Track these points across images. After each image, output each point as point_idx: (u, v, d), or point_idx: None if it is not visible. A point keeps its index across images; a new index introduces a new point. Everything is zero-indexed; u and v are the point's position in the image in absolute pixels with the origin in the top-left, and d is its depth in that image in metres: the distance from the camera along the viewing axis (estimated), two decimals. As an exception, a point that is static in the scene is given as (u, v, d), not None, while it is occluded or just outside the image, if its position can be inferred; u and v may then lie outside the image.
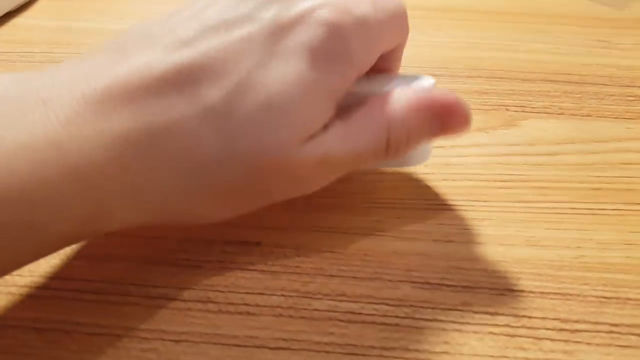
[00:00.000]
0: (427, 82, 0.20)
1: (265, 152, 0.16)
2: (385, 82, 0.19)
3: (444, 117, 0.18)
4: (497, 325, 0.17)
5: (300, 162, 0.17)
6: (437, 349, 0.17)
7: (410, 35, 0.20)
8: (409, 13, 0.19)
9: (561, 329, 0.17)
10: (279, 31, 0.16)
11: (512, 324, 0.17)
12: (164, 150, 0.15)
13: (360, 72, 0.18)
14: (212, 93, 0.16)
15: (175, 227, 0.20)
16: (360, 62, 0.17)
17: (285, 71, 0.16)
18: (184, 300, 0.18)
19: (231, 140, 0.16)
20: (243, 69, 0.16)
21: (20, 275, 0.18)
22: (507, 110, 0.27)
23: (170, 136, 0.15)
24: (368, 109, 0.18)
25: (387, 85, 0.19)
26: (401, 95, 0.18)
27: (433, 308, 0.18)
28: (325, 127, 0.17)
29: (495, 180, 0.23)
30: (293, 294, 0.18)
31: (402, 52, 0.21)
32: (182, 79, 0.15)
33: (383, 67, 0.20)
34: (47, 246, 0.15)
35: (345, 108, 0.18)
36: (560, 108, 0.27)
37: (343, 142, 0.17)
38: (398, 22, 0.19)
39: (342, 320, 0.17)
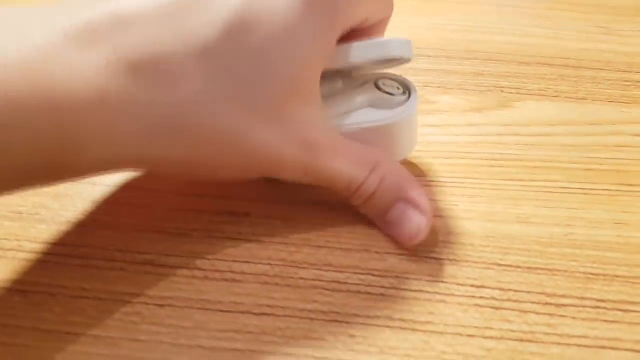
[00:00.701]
0: (402, 39, 0.19)
1: (249, 105, 0.16)
2: (364, 49, 0.19)
3: (408, 207, 0.18)
4: (482, 297, 0.17)
5: (284, 129, 0.17)
6: (422, 319, 0.17)
7: (407, 17, 0.20)
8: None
9: (547, 303, 0.17)
10: None
11: (498, 297, 0.17)
12: (145, 82, 0.15)
13: (344, 26, 0.18)
14: (200, 29, 0.15)
15: (156, 174, 0.19)
16: (345, 13, 0.17)
17: (274, 15, 0.16)
18: (170, 267, 0.18)
19: (216, 82, 0.15)
20: (232, 7, 0.15)
21: (6, 240, 0.18)
22: (502, 91, 0.27)
23: (153, 69, 0.15)
24: (364, 150, 0.19)
25: (366, 51, 0.19)
26: (393, 164, 0.19)
27: (419, 280, 0.18)
28: (324, 134, 0.18)
29: (487, 159, 0.23)
30: (279, 263, 0.18)
31: (385, 28, 0.20)
32: (169, 14, 0.15)
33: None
34: (13, 172, 0.15)
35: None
36: (556, 91, 0.27)
37: (331, 154, 0.18)
38: None
39: (327, 289, 0.17)
